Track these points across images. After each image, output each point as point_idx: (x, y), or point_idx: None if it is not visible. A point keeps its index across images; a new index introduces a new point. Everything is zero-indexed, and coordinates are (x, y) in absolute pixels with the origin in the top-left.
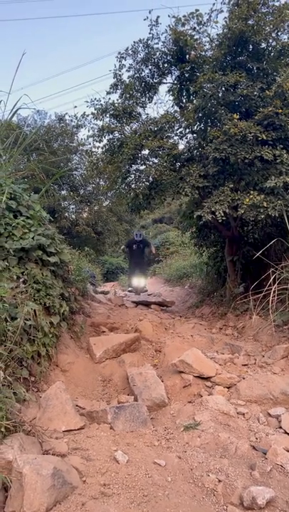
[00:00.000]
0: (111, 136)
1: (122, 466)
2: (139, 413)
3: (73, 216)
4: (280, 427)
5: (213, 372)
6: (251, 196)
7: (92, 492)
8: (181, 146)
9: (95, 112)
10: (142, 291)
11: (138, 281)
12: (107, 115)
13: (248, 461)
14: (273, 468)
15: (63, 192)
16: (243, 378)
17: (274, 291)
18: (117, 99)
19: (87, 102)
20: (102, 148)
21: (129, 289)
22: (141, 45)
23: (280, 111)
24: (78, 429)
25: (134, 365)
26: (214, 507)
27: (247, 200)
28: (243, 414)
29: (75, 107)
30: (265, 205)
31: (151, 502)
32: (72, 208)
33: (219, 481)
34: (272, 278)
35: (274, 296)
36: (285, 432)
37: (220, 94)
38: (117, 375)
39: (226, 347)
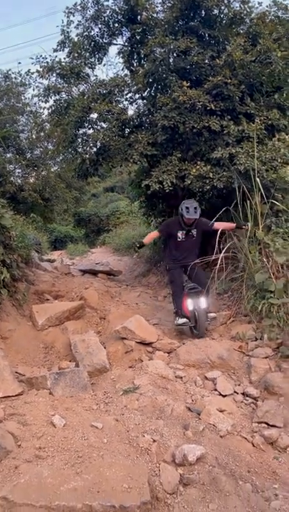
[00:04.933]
0: (58, 97)
1: (58, 430)
2: (79, 378)
3: (19, 181)
4: (216, 389)
5: (155, 338)
6: (198, 167)
7: (27, 455)
8: (130, 112)
9: (41, 69)
10: (205, 320)
11: (195, 301)
12: (54, 74)
13: (183, 422)
14: (206, 428)
15: (8, 155)
16: (183, 344)
17: (216, 260)
18: (65, 58)
19: (32, 58)
20: (49, 109)
21: (180, 320)
22: (90, 0)
23: (229, 81)
24: (16, 395)
25: (77, 332)
26: (147, 465)
27: (194, 170)
28: (181, 377)
29: (19, 63)
30: (211, 176)
31: (85, 462)
32: (18, 173)
33: (154, 441)
34: (216, 248)
35: (215, 265)
36: (220, 394)
37: (170, 60)
38: (60, 342)
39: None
